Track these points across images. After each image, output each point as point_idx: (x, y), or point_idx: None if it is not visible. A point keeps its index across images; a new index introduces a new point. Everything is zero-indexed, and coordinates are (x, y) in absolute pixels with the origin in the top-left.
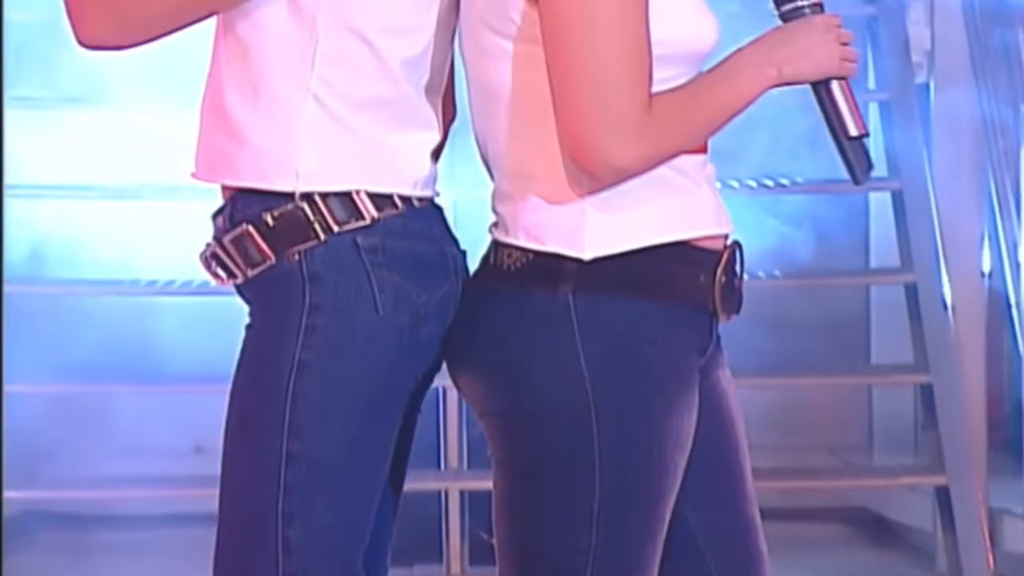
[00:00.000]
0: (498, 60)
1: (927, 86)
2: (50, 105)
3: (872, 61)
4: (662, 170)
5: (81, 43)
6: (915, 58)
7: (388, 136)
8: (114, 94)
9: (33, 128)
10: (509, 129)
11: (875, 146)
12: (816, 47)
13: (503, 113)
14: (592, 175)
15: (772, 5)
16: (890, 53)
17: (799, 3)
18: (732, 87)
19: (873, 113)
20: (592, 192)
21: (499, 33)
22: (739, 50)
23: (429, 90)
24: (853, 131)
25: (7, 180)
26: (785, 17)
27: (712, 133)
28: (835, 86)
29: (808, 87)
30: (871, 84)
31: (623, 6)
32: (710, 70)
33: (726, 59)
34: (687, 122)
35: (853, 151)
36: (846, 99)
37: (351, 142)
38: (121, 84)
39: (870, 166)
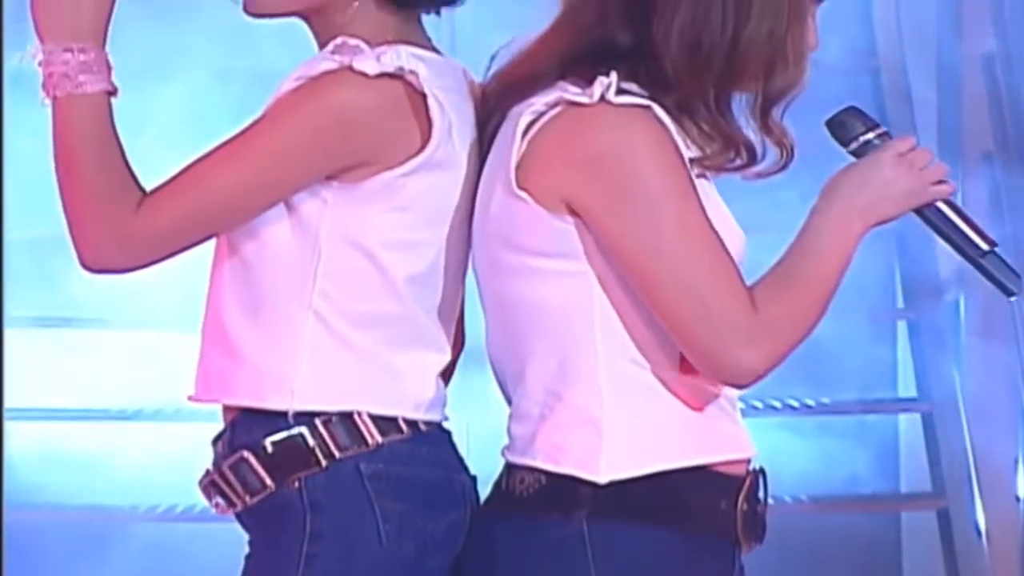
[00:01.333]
0: (518, 277)
1: (957, 303)
2: (52, 324)
3: (899, 278)
4: (681, 391)
5: (85, 266)
6: (944, 274)
7: (392, 355)
8: (117, 314)
9: (34, 348)
10: (529, 348)
11: (903, 367)
12: (893, 184)
13: (523, 331)
14: (730, 385)
15: (839, 145)
16: (918, 271)
17: (865, 136)
18: (822, 259)
19: (901, 332)
20: (612, 412)
21: (520, 249)
22: (814, 212)
23: (438, 309)
24: (983, 246)
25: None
26: (856, 154)
27: (825, 308)
28: (939, 211)
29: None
30: (899, 302)
31: (682, 208)
32: (793, 246)
33: (804, 229)
34: (795, 308)
35: (992, 265)
36: (957, 218)
37: (352, 360)
38: (125, 304)
39: (1017, 275)
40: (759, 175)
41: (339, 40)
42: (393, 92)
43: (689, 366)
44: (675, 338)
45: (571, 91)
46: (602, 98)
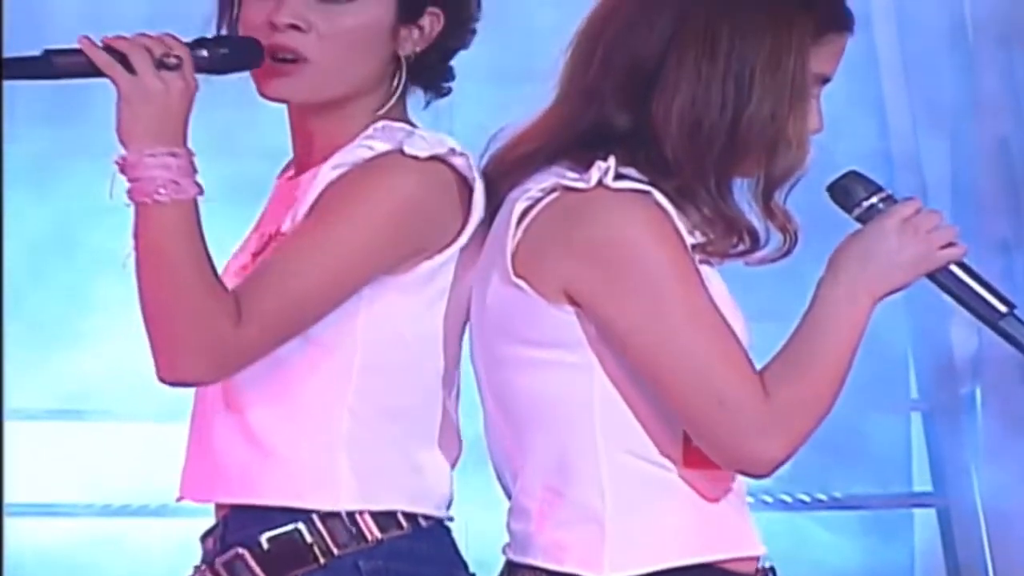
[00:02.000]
0: (515, 368)
1: (973, 394)
2: (45, 417)
3: (913, 367)
4: (686, 485)
5: (164, 378)
6: (959, 364)
7: (417, 450)
8: (111, 407)
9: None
10: (528, 442)
11: (917, 460)
12: (900, 251)
13: (521, 425)
14: (748, 476)
15: (842, 212)
16: (932, 360)
17: (869, 201)
18: (833, 338)
19: (916, 423)
20: (614, 507)
21: (517, 340)
22: (820, 289)
23: (455, 400)
24: (1002, 308)
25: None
26: (861, 220)
27: (839, 388)
28: (952, 275)
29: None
30: (913, 393)
31: (687, 294)
32: (801, 326)
33: (811, 306)
34: (808, 392)
35: (1012, 328)
36: (972, 281)
37: (385, 456)
38: (118, 396)
39: None
40: (762, 261)
41: (380, 124)
42: (445, 177)
43: (694, 459)
44: (687, 429)
45: (568, 176)
46: (600, 183)
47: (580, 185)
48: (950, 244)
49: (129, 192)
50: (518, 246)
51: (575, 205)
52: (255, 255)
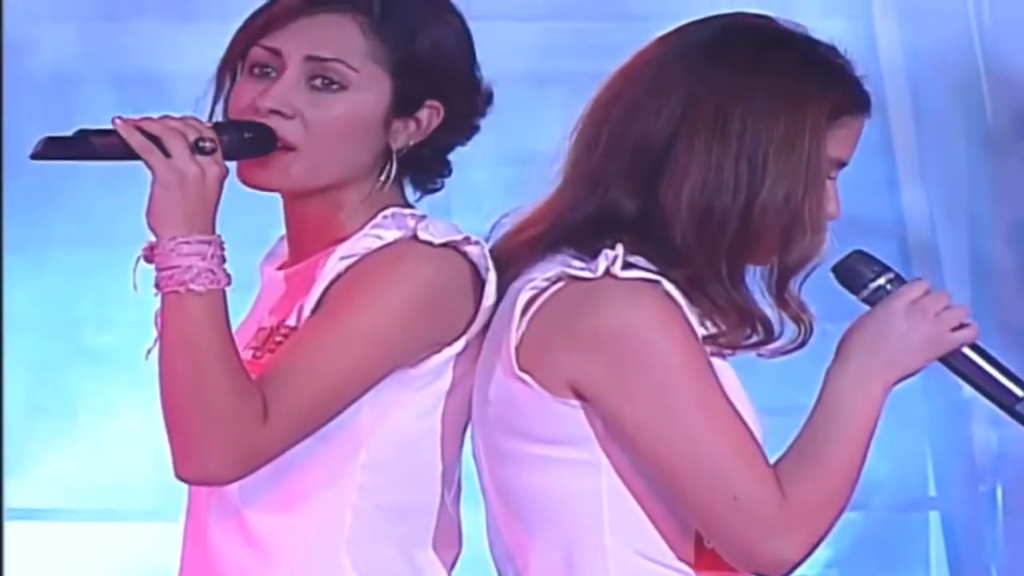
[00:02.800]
0: (519, 465)
1: (993, 492)
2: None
3: (931, 465)
4: None
5: (183, 475)
6: (979, 462)
7: (416, 551)
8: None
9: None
10: (532, 540)
11: (936, 559)
12: (909, 335)
13: (525, 522)
14: None
15: (849, 293)
16: (951, 457)
17: (876, 282)
18: (848, 430)
19: (934, 523)
20: None
21: (522, 435)
22: (829, 378)
23: (455, 497)
24: (1018, 392)
25: None
26: (868, 302)
27: (856, 481)
28: (965, 357)
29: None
30: (931, 491)
31: (699, 388)
32: (812, 418)
33: (821, 396)
34: (824, 487)
35: None
36: (986, 363)
37: (386, 558)
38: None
39: None
40: (776, 353)
41: (389, 211)
42: (458, 265)
43: (708, 561)
44: (700, 528)
45: (573, 265)
46: (607, 272)
47: (586, 274)
48: (962, 326)
49: (159, 281)
50: (522, 338)
51: (581, 295)
52: (256, 349)
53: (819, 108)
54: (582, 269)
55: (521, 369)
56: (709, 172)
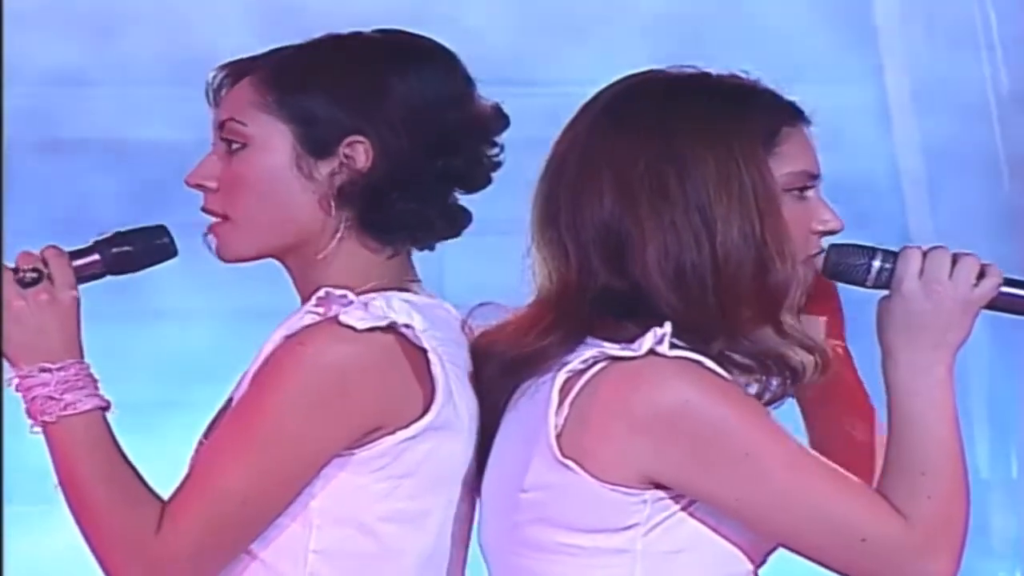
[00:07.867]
0: (544, 553)
1: None
2: None
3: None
4: None
5: None
6: (998, 548)
7: None
8: None
9: None
10: None
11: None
12: (938, 313)
13: None
14: None
15: (855, 287)
16: (970, 544)
17: (875, 266)
18: (932, 429)
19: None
20: None
21: (557, 524)
22: (889, 382)
23: None
24: None
25: None
26: (879, 287)
27: (965, 472)
28: (1001, 297)
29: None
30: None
31: (779, 445)
32: (893, 432)
33: (892, 406)
34: (941, 495)
35: None
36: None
37: None
38: None
39: None
40: (804, 388)
41: (321, 292)
42: (387, 347)
43: None
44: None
45: (609, 345)
46: (651, 351)
47: (628, 354)
48: (981, 274)
49: (27, 413)
50: (565, 423)
51: (629, 376)
52: (211, 428)
53: (743, 138)
54: (624, 349)
55: (565, 456)
56: (666, 234)
